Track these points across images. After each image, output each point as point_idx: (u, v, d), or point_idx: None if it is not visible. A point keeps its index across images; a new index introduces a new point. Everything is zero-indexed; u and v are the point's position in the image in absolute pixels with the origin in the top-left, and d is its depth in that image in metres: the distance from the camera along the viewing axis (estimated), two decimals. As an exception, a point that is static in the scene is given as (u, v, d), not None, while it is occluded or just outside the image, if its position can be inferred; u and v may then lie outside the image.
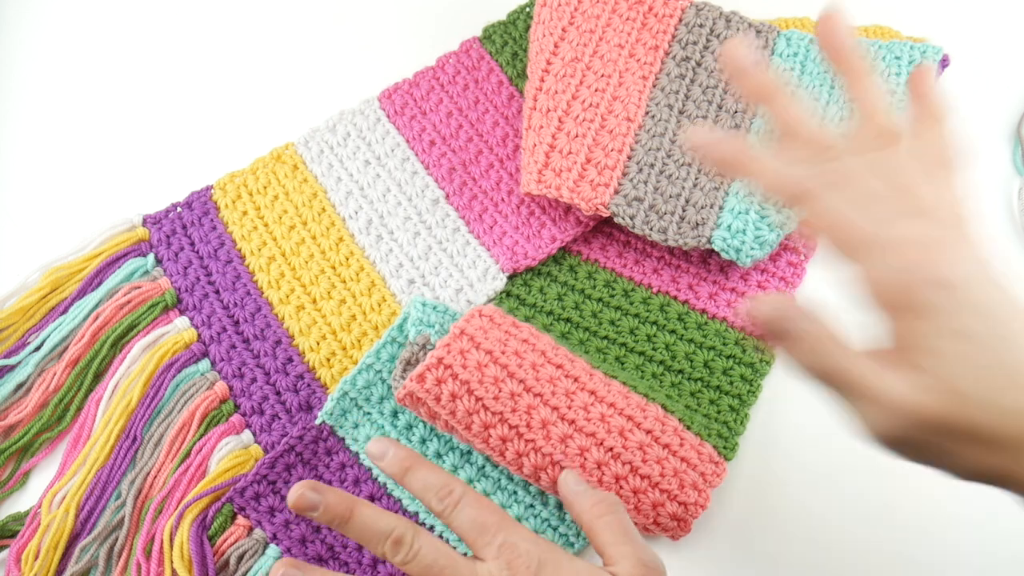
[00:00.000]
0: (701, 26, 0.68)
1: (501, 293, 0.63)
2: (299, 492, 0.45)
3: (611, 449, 0.53)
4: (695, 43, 0.68)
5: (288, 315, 0.62)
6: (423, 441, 0.57)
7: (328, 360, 0.60)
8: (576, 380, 0.55)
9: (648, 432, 0.54)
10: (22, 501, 0.58)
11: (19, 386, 0.60)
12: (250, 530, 0.55)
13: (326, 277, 0.64)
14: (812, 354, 0.39)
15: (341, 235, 0.65)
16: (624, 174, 0.64)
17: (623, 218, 0.62)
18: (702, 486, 0.54)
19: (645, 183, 0.63)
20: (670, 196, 0.63)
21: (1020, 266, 0.63)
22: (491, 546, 0.45)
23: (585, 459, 0.52)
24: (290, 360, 0.61)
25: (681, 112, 0.66)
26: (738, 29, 0.68)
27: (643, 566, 0.45)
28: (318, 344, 0.61)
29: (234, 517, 0.55)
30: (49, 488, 0.56)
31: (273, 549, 0.54)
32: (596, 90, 0.65)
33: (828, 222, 0.39)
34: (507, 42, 0.72)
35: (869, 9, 0.72)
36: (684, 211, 0.63)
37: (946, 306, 0.36)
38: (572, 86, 0.65)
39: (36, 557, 0.53)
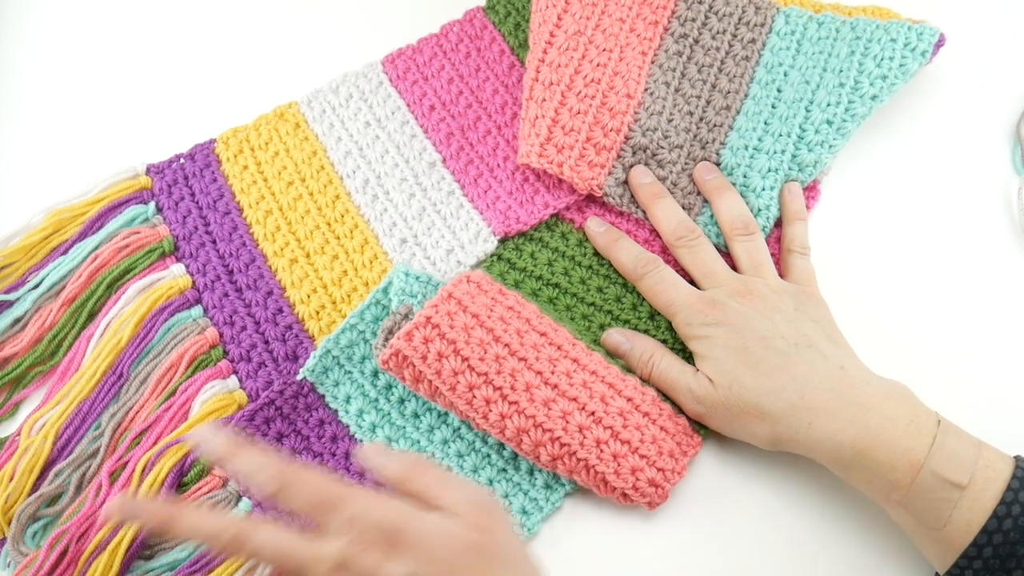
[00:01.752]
0: (700, 2, 0.69)
1: (492, 256, 0.63)
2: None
3: (593, 413, 0.53)
4: (693, 20, 0.68)
5: (281, 267, 0.63)
6: (402, 401, 0.58)
7: (317, 313, 0.61)
8: (559, 348, 0.56)
9: (629, 399, 0.55)
10: (9, 430, 0.59)
11: (16, 321, 0.61)
12: (225, 482, 0.56)
13: (320, 232, 0.65)
14: (641, 365, 0.57)
15: (338, 193, 0.66)
16: (619, 156, 0.64)
17: (614, 198, 0.64)
18: (679, 455, 0.55)
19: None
20: (659, 180, 0.64)
21: (1020, 266, 0.63)
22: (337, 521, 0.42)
23: (568, 422, 0.53)
24: (280, 311, 0.62)
25: (677, 90, 0.66)
26: (737, 6, 0.68)
27: (475, 505, 0.44)
28: (309, 297, 0.62)
29: (211, 467, 0.56)
30: (31, 415, 0.58)
31: (245, 503, 0.55)
32: (598, 65, 0.66)
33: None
34: (510, 12, 0.73)
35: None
36: (671, 195, 0.64)
37: (723, 334, 0.55)
38: (575, 59, 0.65)
39: (11, 479, 0.55)
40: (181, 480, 0.56)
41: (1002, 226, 0.65)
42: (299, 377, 0.58)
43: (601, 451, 0.53)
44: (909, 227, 0.65)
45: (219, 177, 0.67)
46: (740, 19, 0.68)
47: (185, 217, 0.66)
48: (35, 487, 0.56)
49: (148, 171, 0.68)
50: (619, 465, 0.53)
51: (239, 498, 0.56)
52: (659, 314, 0.60)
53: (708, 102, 0.66)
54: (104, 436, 0.57)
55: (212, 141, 0.69)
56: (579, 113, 0.64)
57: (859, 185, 0.66)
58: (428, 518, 0.42)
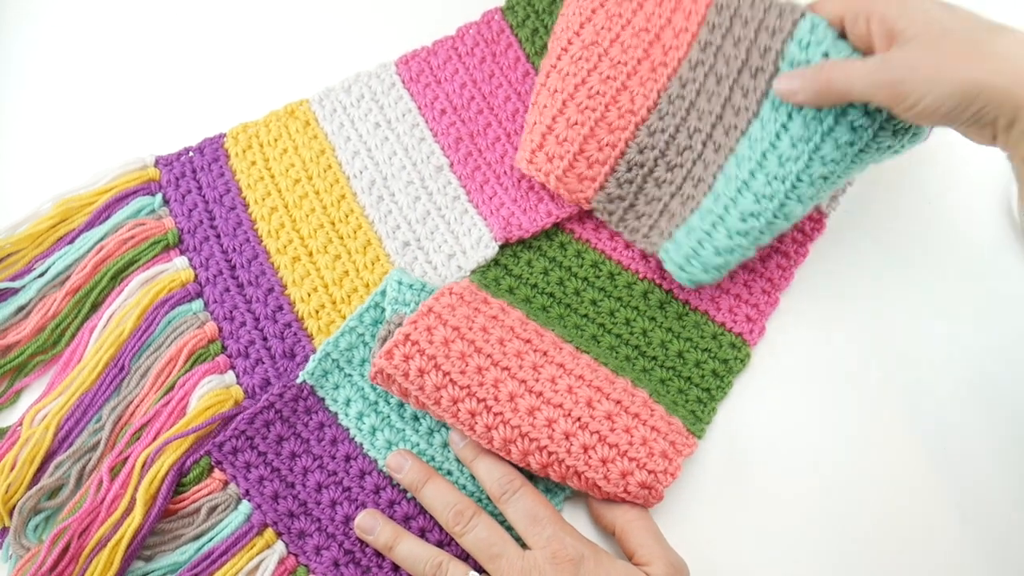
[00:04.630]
0: (727, 7, 0.61)
1: (489, 261, 0.63)
2: (395, 453, 0.55)
3: (578, 419, 0.53)
4: (720, 26, 0.62)
5: (283, 265, 0.63)
6: (401, 404, 0.58)
7: (316, 312, 0.62)
8: (544, 354, 0.56)
9: (617, 402, 0.55)
10: (11, 418, 0.60)
11: (20, 309, 0.62)
12: (225, 484, 0.56)
13: (324, 232, 0.65)
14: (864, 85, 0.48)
15: (344, 193, 0.66)
16: (612, 171, 0.63)
17: (603, 214, 0.63)
18: (672, 455, 0.54)
19: (630, 183, 0.63)
20: (651, 199, 0.63)
21: (1019, 266, 0.63)
22: (540, 536, 0.51)
23: (553, 430, 0.52)
24: (280, 308, 0.62)
25: (692, 105, 0.63)
26: (761, 8, 0.59)
27: (672, 567, 0.50)
28: (309, 295, 0.62)
29: (211, 469, 0.57)
30: (33, 405, 0.58)
31: (245, 505, 0.55)
32: (607, 78, 0.64)
33: None
34: (529, 16, 0.72)
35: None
36: (659, 217, 0.62)
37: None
38: (584, 70, 0.64)
39: (12, 468, 0.55)
40: (181, 478, 0.56)
41: (1002, 226, 0.65)
42: (299, 380, 0.59)
43: (589, 457, 0.52)
44: (909, 226, 0.65)
45: (227, 172, 0.68)
46: (761, 23, 0.57)
47: (191, 210, 0.66)
48: (35, 477, 0.56)
49: (157, 163, 0.68)
50: (608, 470, 0.52)
51: (239, 501, 0.56)
52: (651, 329, 0.60)
53: (719, 118, 0.60)
54: (104, 430, 0.57)
55: (222, 135, 0.69)
56: (576, 124, 0.63)
57: (859, 185, 0.66)
58: (619, 561, 0.50)
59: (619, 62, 0.65)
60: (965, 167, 0.66)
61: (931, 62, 0.46)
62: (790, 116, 0.54)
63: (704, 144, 0.61)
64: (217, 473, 0.56)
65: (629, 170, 0.63)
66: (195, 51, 0.75)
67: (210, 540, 0.54)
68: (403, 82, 0.71)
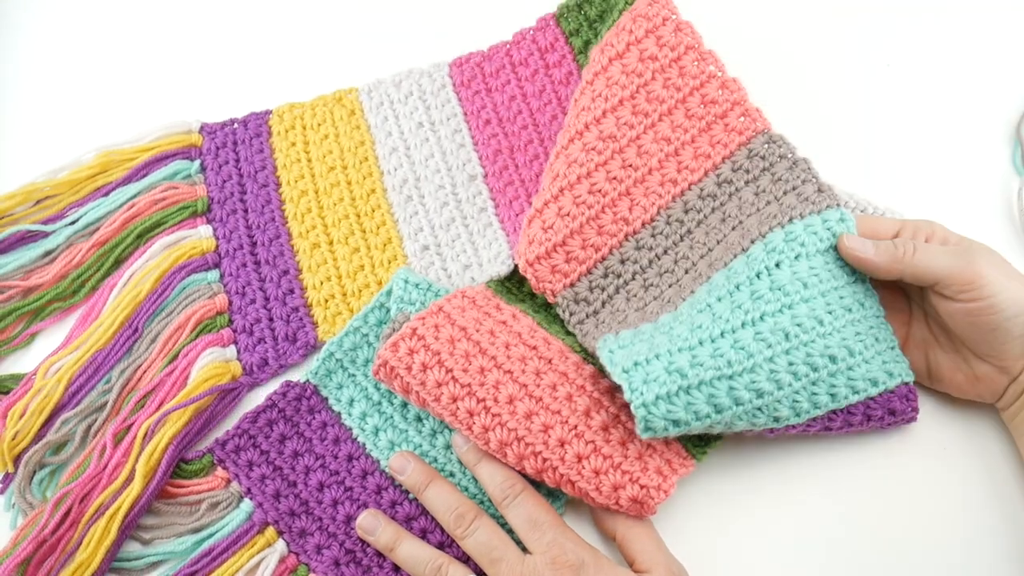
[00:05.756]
0: (763, 158, 0.61)
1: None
2: (397, 455, 0.56)
3: (574, 428, 0.52)
4: (747, 171, 0.61)
5: (303, 249, 0.64)
6: (404, 405, 0.58)
7: (326, 301, 0.62)
8: (549, 361, 0.55)
9: (616, 415, 0.54)
10: (25, 360, 0.62)
11: (47, 253, 0.64)
12: (227, 482, 0.57)
13: (348, 223, 0.65)
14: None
15: (374, 187, 0.67)
16: (588, 272, 0.60)
17: (564, 312, 0.59)
18: (667, 472, 0.53)
19: (601, 290, 0.60)
20: (616, 311, 0.59)
21: (1020, 267, 0.60)
22: (541, 542, 0.51)
23: (548, 437, 0.52)
24: (291, 292, 0.63)
25: (688, 232, 0.60)
26: (801, 180, 0.59)
27: (673, 575, 0.50)
28: (321, 284, 0.63)
29: (213, 467, 0.57)
30: (50, 356, 0.59)
31: (247, 503, 0.56)
32: (612, 178, 0.60)
33: None
34: (581, 26, 0.68)
35: (873, 11, 0.71)
36: (617, 327, 0.58)
37: None
38: (592, 163, 0.60)
39: (21, 416, 0.57)
40: (181, 455, 0.57)
41: (1002, 226, 0.64)
42: (302, 380, 0.59)
43: (582, 467, 0.52)
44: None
45: (266, 148, 0.68)
46: (795, 189, 0.59)
47: (225, 181, 0.67)
48: (42, 429, 0.57)
49: (201, 129, 0.69)
50: (600, 481, 0.52)
51: (240, 499, 0.56)
52: None
53: (709, 251, 0.59)
54: (113, 391, 0.58)
55: (268, 112, 0.70)
56: (566, 215, 0.59)
57: (859, 185, 0.65)
58: (619, 568, 0.50)
59: (630, 165, 0.61)
60: (965, 166, 0.67)
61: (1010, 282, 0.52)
62: (778, 265, 0.54)
63: (687, 272, 0.59)
64: (219, 471, 0.57)
65: (605, 276, 0.60)
66: (255, 27, 0.77)
67: (211, 537, 0.55)
68: (453, 85, 0.71)
